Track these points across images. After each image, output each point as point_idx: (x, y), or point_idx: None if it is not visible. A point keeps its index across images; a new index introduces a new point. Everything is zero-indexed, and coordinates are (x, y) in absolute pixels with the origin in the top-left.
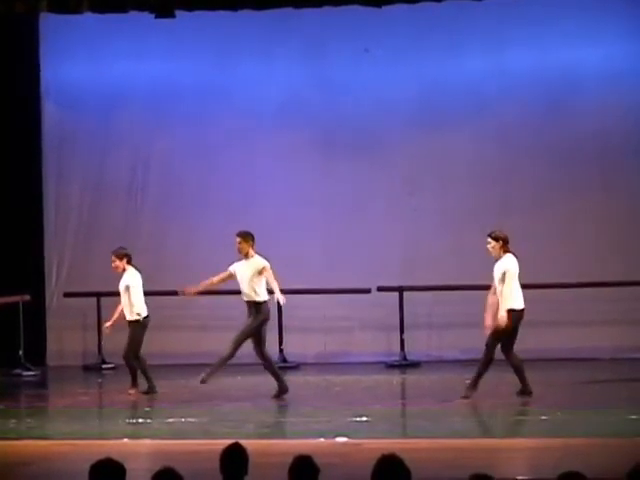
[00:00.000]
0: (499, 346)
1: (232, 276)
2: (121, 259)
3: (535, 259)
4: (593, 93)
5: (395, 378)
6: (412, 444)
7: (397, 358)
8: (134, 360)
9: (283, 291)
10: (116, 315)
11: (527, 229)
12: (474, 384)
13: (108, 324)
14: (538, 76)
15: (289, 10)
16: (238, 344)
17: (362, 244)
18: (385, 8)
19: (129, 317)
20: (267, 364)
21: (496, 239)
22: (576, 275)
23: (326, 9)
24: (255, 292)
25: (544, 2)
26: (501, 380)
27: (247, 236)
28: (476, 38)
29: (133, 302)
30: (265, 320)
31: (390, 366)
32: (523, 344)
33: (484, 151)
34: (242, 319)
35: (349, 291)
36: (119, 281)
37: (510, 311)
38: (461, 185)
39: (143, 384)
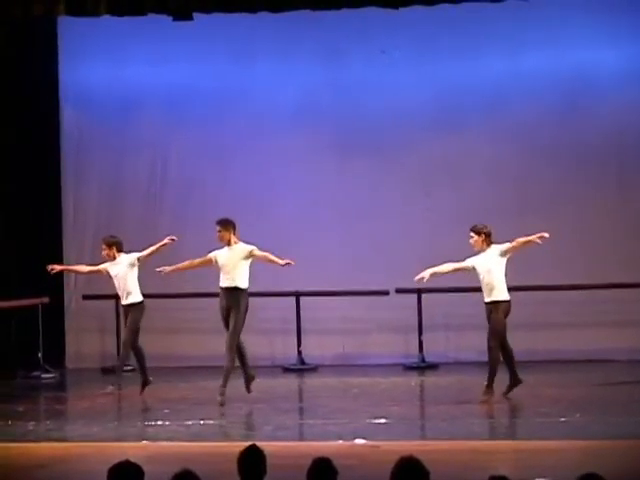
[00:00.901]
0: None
1: (211, 262)
2: (111, 247)
3: (552, 260)
4: (609, 93)
5: (413, 380)
6: (430, 446)
7: (415, 360)
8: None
9: (300, 293)
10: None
11: (543, 229)
12: (489, 386)
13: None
14: (554, 77)
15: (306, 12)
16: (233, 349)
17: (380, 246)
18: (402, 10)
19: (130, 300)
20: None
21: (478, 233)
22: (593, 276)
23: (343, 11)
24: (240, 278)
25: (560, 3)
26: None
27: (227, 224)
28: (493, 39)
29: (133, 286)
30: (247, 309)
31: (408, 368)
32: (539, 345)
33: (501, 152)
34: (263, 322)
35: (367, 293)
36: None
37: (504, 302)
38: (478, 186)
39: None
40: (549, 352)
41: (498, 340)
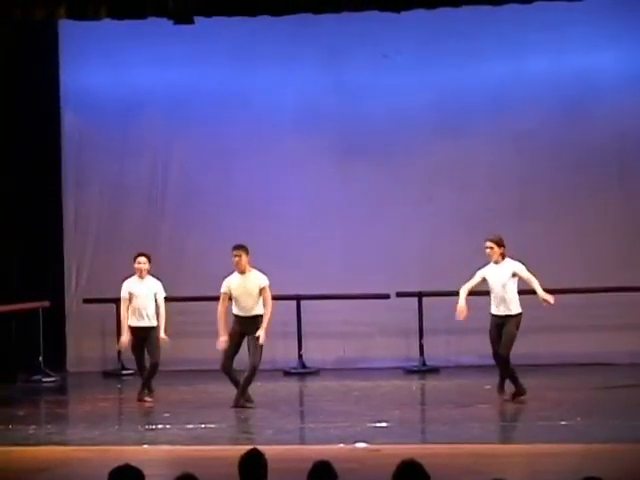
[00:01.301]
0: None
1: (229, 298)
2: (150, 262)
3: (553, 263)
4: (611, 96)
5: (414, 383)
6: (431, 449)
7: (416, 363)
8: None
9: (301, 297)
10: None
11: (545, 233)
12: (517, 386)
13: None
14: (556, 80)
15: (308, 16)
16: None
17: (381, 249)
18: (403, 14)
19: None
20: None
21: (498, 244)
22: (594, 279)
23: (344, 15)
24: (258, 306)
25: (561, 7)
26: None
27: (245, 250)
28: (494, 43)
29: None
30: None
31: (409, 371)
32: (540, 349)
33: (502, 156)
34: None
35: (368, 296)
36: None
37: (518, 315)
38: (479, 190)
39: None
40: (550, 355)
41: (509, 351)
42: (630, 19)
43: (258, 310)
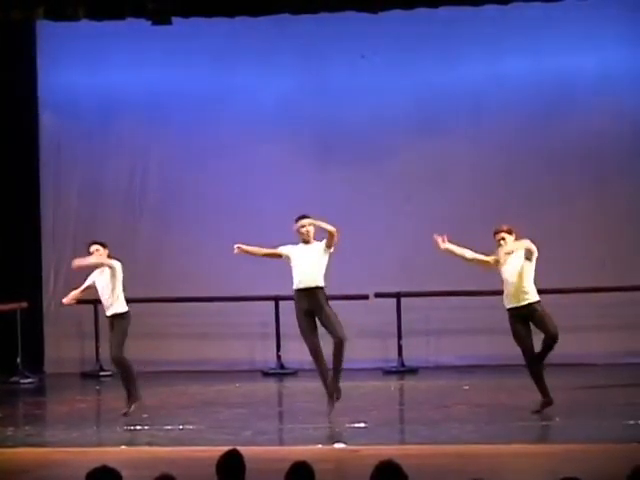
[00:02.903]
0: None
1: (280, 257)
2: (105, 247)
3: None
4: (589, 98)
5: (393, 384)
6: (410, 450)
7: (395, 364)
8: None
9: (279, 297)
10: None
11: (524, 234)
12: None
13: None
14: (534, 82)
15: (286, 16)
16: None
17: (359, 250)
18: (381, 14)
19: (115, 311)
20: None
21: (510, 232)
22: (570, 280)
23: (322, 15)
24: (321, 277)
25: (539, 8)
26: (500, 386)
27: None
28: (473, 44)
29: (119, 293)
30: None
31: (388, 372)
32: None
33: (481, 157)
34: (243, 326)
35: (347, 297)
36: (75, 288)
37: (538, 302)
38: (458, 191)
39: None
40: None
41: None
42: (608, 21)
43: (320, 282)
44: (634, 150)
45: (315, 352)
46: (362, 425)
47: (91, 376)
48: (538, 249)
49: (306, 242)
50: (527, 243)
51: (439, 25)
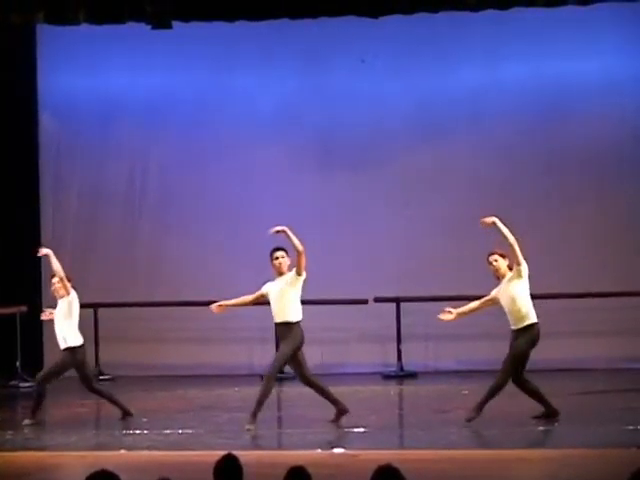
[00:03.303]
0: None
1: (264, 297)
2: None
3: (531, 269)
4: (587, 104)
5: (392, 389)
6: (409, 455)
7: (394, 369)
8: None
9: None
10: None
11: (523, 239)
12: (544, 404)
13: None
14: (535, 87)
15: (285, 21)
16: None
17: (359, 255)
18: (381, 19)
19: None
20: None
21: (503, 256)
22: (570, 286)
23: (322, 20)
24: (290, 310)
25: (540, 14)
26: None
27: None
28: (473, 49)
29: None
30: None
31: (387, 377)
32: None
33: (481, 162)
34: (242, 330)
35: (346, 302)
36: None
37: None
38: (458, 195)
39: None
40: (528, 361)
41: (516, 374)
42: (610, 26)
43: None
44: (635, 155)
45: (308, 384)
46: (361, 430)
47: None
48: (537, 254)
49: (280, 274)
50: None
51: (439, 30)
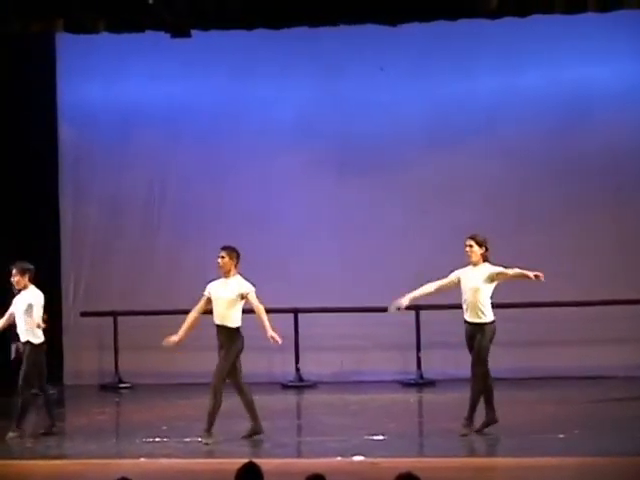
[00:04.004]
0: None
1: (210, 301)
2: (23, 274)
3: (548, 277)
4: (604, 110)
5: (411, 397)
6: (428, 463)
7: (413, 377)
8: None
9: (298, 310)
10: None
11: (540, 246)
12: (470, 418)
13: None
14: (551, 94)
15: (304, 29)
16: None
17: (378, 262)
18: (400, 27)
19: (27, 339)
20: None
21: (479, 244)
22: (589, 293)
23: (341, 28)
24: (232, 316)
25: (557, 20)
26: (518, 399)
27: (232, 252)
28: (491, 57)
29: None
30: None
31: (406, 385)
32: (536, 362)
33: (498, 169)
34: (262, 339)
35: (365, 310)
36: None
37: (490, 324)
38: (475, 203)
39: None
40: (546, 369)
41: (485, 367)
42: (625, 34)
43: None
44: None
45: (239, 392)
46: (380, 437)
47: (110, 388)
48: (554, 261)
49: (226, 276)
50: (504, 270)
51: (457, 37)
